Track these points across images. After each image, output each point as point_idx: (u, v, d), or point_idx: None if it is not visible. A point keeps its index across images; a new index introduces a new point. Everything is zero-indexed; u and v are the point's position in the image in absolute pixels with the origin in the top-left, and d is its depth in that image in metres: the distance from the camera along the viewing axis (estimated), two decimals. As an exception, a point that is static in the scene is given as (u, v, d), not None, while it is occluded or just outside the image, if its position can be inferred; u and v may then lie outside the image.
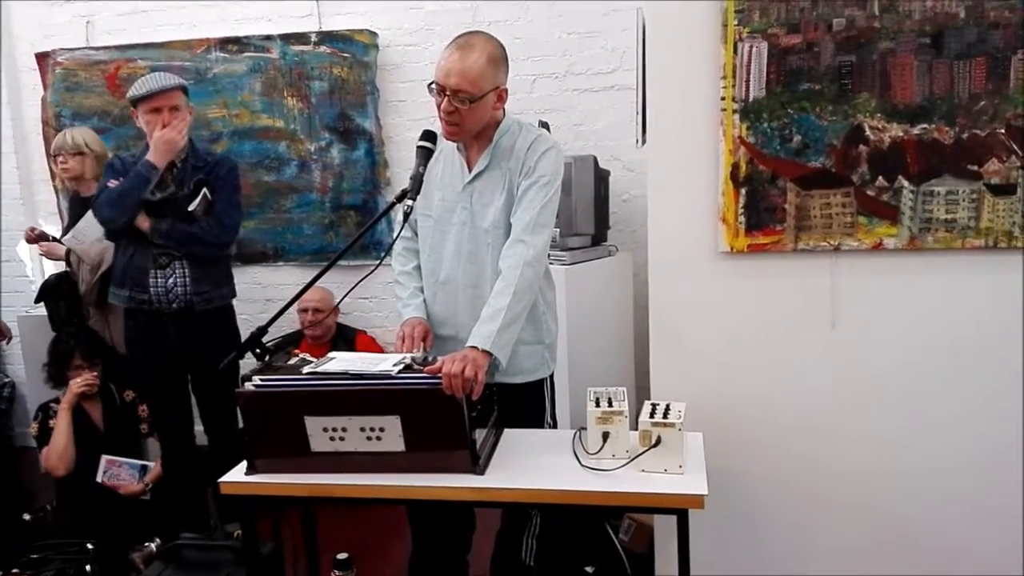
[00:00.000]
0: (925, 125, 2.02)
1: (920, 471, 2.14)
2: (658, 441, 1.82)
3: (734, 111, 2.07)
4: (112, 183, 2.90)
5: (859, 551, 2.19)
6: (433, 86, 2.04)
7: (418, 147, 2.08)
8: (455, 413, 1.83)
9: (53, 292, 3.58)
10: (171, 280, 2.93)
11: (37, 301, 3.72)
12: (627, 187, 3.82)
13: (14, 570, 2.59)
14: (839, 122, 2.05)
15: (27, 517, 3.28)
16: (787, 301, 2.14)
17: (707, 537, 2.07)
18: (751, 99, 2.06)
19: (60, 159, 3.48)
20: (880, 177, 2.05)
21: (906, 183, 2.04)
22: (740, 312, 2.16)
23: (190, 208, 2.94)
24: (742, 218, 2.10)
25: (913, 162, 2.03)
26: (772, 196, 2.09)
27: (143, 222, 2.91)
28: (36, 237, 3.53)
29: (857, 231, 2.07)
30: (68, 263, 3.43)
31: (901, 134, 2.03)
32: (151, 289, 2.93)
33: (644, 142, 2.29)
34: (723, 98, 2.07)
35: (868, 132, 2.04)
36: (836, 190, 2.06)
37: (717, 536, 2.17)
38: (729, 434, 2.14)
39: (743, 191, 2.09)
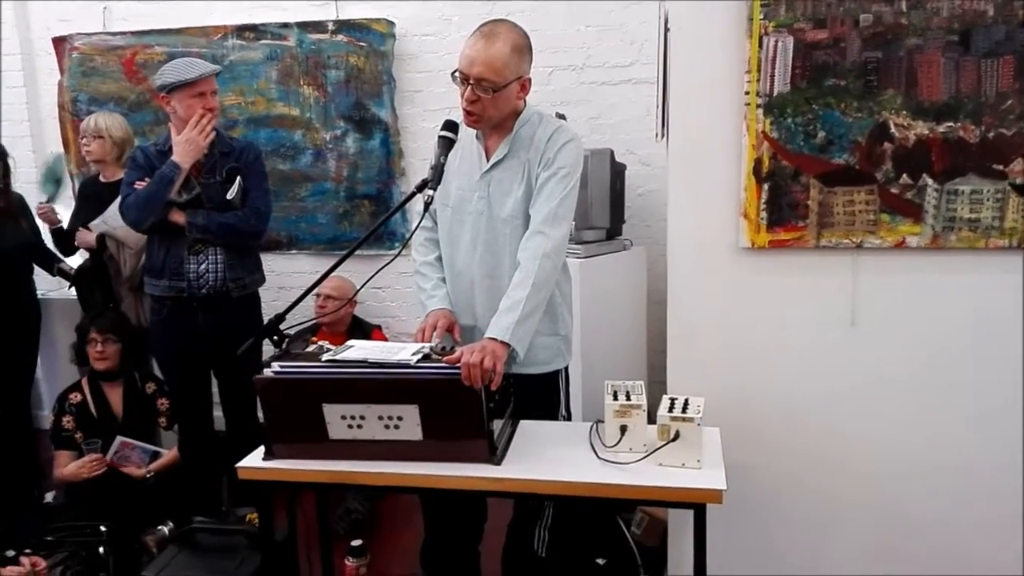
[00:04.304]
0: (951, 123, 2.00)
1: (939, 470, 2.12)
2: (676, 435, 1.82)
3: (758, 106, 2.05)
4: (138, 184, 2.91)
5: (876, 549, 2.18)
6: (456, 74, 2.03)
7: (440, 137, 2.07)
8: (473, 403, 1.83)
9: (87, 278, 3.60)
10: (203, 266, 2.94)
11: (71, 286, 3.74)
12: (642, 181, 3.81)
13: (26, 550, 2.60)
14: (864, 119, 2.03)
15: (49, 498, 3.29)
16: (808, 298, 2.13)
17: (721, 532, 2.06)
18: (775, 94, 2.05)
19: (84, 141, 3.53)
20: (904, 175, 2.03)
21: (930, 181, 2.02)
22: (760, 308, 2.15)
23: (228, 197, 2.96)
24: (764, 214, 2.09)
25: (938, 160, 2.02)
26: (795, 192, 2.08)
27: (178, 217, 2.92)
28: (48, 212, 3.55)
29: (880, 229, 2.05)
30: (103, 247, 3.45)
31: (926, 132, 2.01)
32: (188, 276, 2.95)
33: (664, 136, 2.27)
34: (747, 93, 2.05)
35: (893, 129, 2.02)
36: (860, 187, 2.05)
37: (731, 532, 2.16)
38: (746, 430, 2.13)
39: (765, 187, 2.08)
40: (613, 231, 3.46)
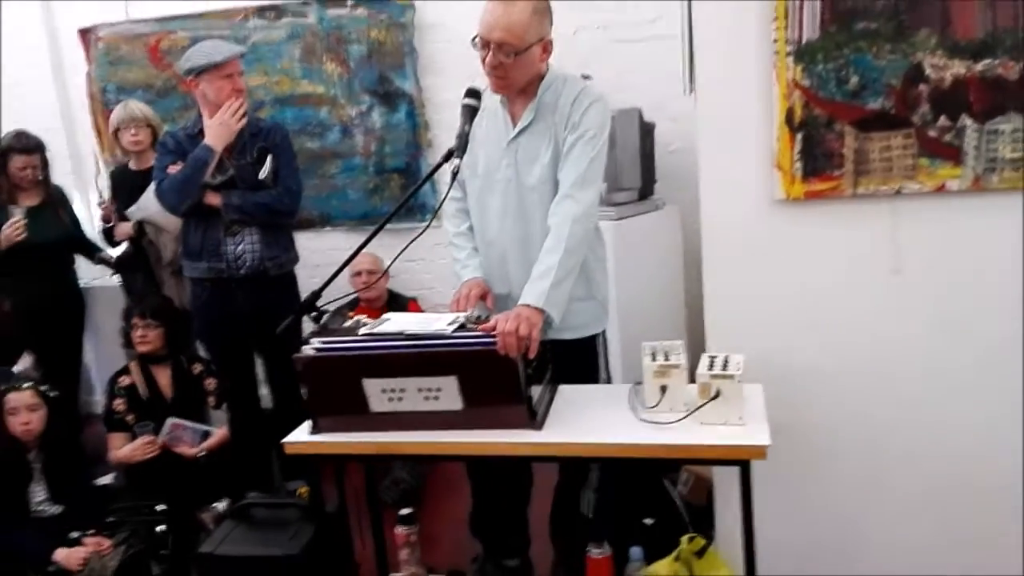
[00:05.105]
0: (988, 61, 1.93)
1: (989, 420, 2.08)
2: (717, 393, 1.81)
3: (788, 53, 2.00)
4: (171, 168, 2.95)
5: (922, 501, 2.15)
6: (477, 40, 2.02)
7: (463, 105, 2.06)
8: (511, 371, 1.84)
9: (128, 265, 3.67)
10: (240, 247, 2.99)
11: (115, 273, 3.82)
12: (672, 139, 3.74)
13: (90, 531, 2.69)
14: (898, 61, 1.97)
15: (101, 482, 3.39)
16: (847, 249, 2.08)
17: (768, 489, 2.06)
18: (805, 41, 1.99)
19: (132, 132, 3.51)
20: (942, 116, 1.97)
21: (969, 122, 1.96)
22: (798, 262, 2.12)
23: (260, 176, 2.99)
24: (798, 164, 2.05)
25: (976, 100, 1.95)
26: (829, 140, 2.03)
27: (213, 199, 2.96)
28: (111, 213, 3.61)
29: (918, 174, 2.00)
30: (142, 233, 3.51)
31: (963, 71, 1.94)
32: (226, 257, 2.99)
33: (692, 90, 2.23)
34: (776, 40, 2.00)
35: (928, 70, 1.96)
36: (896, 132, 1.99)
37: (778, 488, 2.14)
38: (788, 386, 2.10)
39: (799, 136, 2.03)
40: (645, 191, 3.42)
